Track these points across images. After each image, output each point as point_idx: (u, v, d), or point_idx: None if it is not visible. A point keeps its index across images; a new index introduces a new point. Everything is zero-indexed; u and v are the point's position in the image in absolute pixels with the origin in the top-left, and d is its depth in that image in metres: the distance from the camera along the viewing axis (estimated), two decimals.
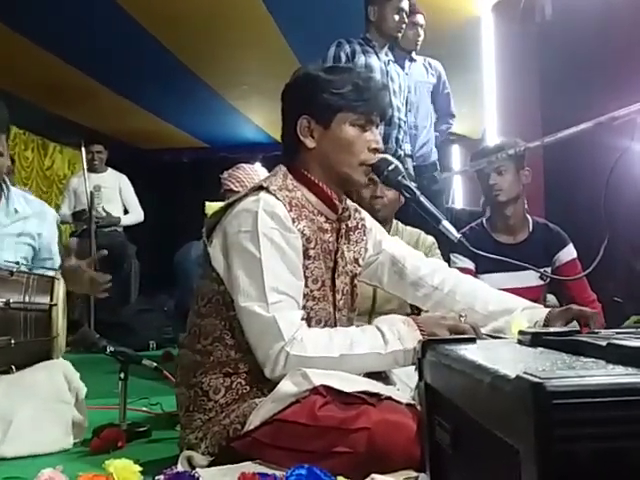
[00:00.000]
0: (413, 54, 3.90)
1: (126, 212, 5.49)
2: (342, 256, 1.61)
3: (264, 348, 1.38)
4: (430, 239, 2.43)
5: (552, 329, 1.08)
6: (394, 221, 2.44)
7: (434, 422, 1.03)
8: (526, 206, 2.85)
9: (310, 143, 1.55)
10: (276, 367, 1.37)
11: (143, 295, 5.43)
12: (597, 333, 1.03)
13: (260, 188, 1.49)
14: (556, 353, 0.86)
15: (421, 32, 3.82)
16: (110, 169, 5.50)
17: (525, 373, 0.65)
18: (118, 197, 5.44)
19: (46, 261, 2.23)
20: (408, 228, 2.44)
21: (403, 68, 3.79)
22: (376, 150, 1.55)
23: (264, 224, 1.42)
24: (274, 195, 1.46)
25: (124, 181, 5.52)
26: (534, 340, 0.97)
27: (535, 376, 0.64)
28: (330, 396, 1.27)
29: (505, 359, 0.89)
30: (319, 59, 3.39)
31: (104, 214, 5.19)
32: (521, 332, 1.03)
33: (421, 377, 1.10)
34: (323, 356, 1.36)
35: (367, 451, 1.21)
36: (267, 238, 1.41)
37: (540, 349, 0.92)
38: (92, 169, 5.25)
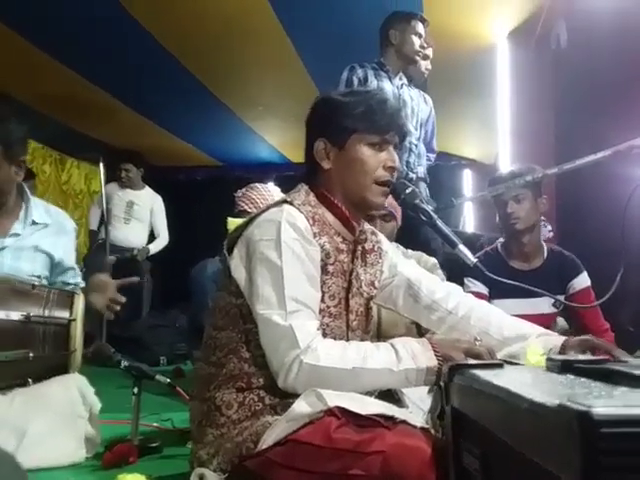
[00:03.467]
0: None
1: (151, 234, 5.52)
2: (357, 277, 1.62)
3: (279, 356, 1.39)
4: (432, 260, 2.45)
5: (580, 357, 1.08)
6: (394, 244, 2.45)
7: (461, 447, 1.03)
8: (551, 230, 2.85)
9: (326, 164, 1.58)
10: (289, 375, 1.37)
11: (155, 311, 5.45)
12: (625, 361, 1.03)
13: (284, 201, 1.52)
14: (588, 381, 0.86)
15: (429, 65, 3.85)
16: (147, 187, 5.55)
17: (570, 401, 0.65)
18: (148, 217, 5.47)
19: (67, 272, 2.25)
20: (410, 251, 2.45)
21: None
22: (392, 169, 1.56)
23: (286, 234, 1.44)
24: (297, 208, 1.49)
25: (157, 202, 5.55)
26: (564, 367, 0.96)
27: (580, 404, 0.64)
28: (345, 418, 1.26)
29: (539, 385, 0.88)
30: (334, 82, 3.44)
31: (139, 250, 5.28)
32: (549, 359, 1.03)
33: (448, 401, 1.10)
34: (336, 367, 1.36)
35: (382, 475, 1.21)
36: (288, 247, 1.43)
37: (570, 376, 0.92)
38: (127, 185, 5.35)
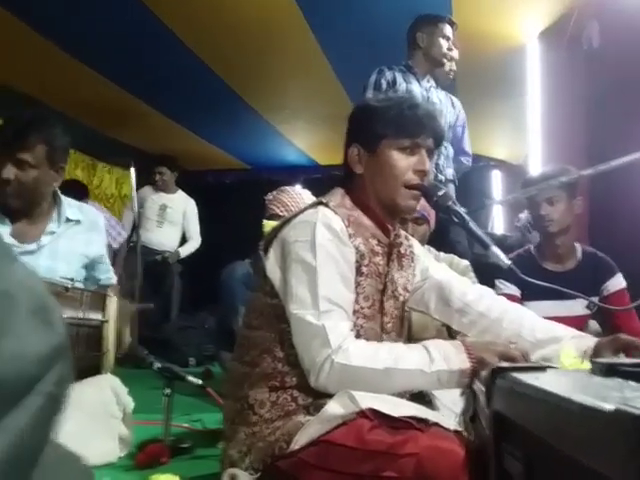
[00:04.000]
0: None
1: (183, 237, 5.56)
2: (392, 280, 1.62)
3: (311, 355, 1.39)
4: (464, 262, 2.43)
5: (624, 359, 1.06)
6: (426, 247, 2.44)
7: (502, 450, 1.02)
8: None
9: (359, 169, 1.60)
10: (320, 374, 1.37)
11: (184, 313, 5.50)
12: None
13: (320, 203, 1.53)
14: (637, 384, 0.85)
15: (455, 67, 3.82)
16: (180, 191, 5.61)
17: (625, 405, 0.65)
18: (181, 220, 5.52)
19: (99, 266, 2.28)
20: (442, 253, 2.44)
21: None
22: (422, 172, 1.56)
23: (321, 235, 1.45)
24: (333, 210, 1.50)
25: (191, 206, 5.60)
26: (609, 370, 0.94)
27: (635, 407, 0.63)
28: (377, 420, 1.26)
29: (587, 389, 0.87)
30: (362, 84, 3.44)
31: (171, 253, 5.34)
32: (594, 362, 1.02)
33: (489, 404, 1.09)
34: (368, 367, 1.36)
35: (415, 477, 1.21)
36: (323, 248, 1.44)
37: (617, 380, 0.90)
38: (160, 189, 5.44)
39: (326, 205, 1.51)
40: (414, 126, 1.54)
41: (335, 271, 1.44)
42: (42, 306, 0.52)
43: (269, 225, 2.70)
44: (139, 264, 4.49)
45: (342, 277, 1.45)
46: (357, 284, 1.50)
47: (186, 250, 5.49)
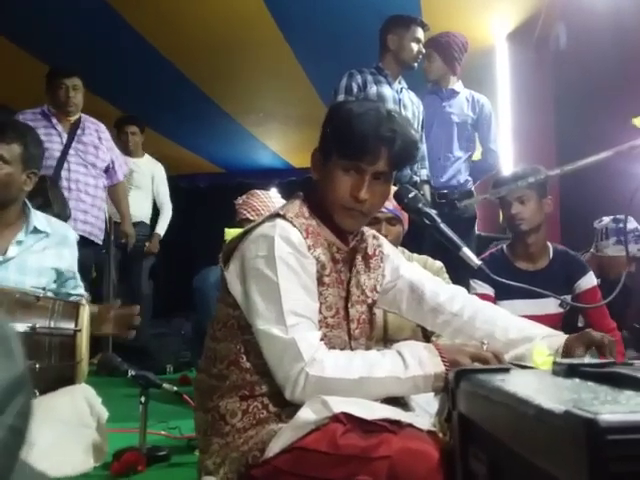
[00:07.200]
0: (457, 87, 3.87)
1: (154, 206, 5.31)
2: (357, 285, 1.61)
3: (284, 370, 1.38)
4: (438, 264, 2.43)
5: (586, 360, 1.08)
6: (400, 248, 2.44)
7: (468, 452, 1.02)
8: None
9: (315, 176, 1.57)
10: (296, 388, 1.36)
11: (159, 318, 5.44)
12: (631, 364, 1.03)
13: (277, 215, 1.51)
14: (595, 385, 0.85)
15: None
16: (147, 155, 5.33)
17: (575, 407, 0.65)
18: (149, 185, 5.24)
19: (68, 282, 2.25)
20: (415, 255, 2.44)
21: (443, 100, 3.82)
22: (356, 199, 1.48)
23: (280, 249, 1.43)
24: (290, 222, 1.47)
25: (158, 168, 5.34)
26: (570, 371, 0.95)
27: (586, 411, 0.63)
28: (350, 424, 1.25)
29: (546, 391, 0.88)
30: (335, 87, 3.44)
31: (150, 243, 5.11)
32: (556, 362, 1.02)
33: (454, 406, 1.09)
34: (342, 378, 1.35)
35: (389, 479, 1.21)
36: (283, 262, 1.42)
37: (577, 380, 0.91)
38: (127, 152, 5.00)
39: (283, 217, 1.49)
40: (357, 150, 1.46)
41: (297, 283, 1.42)
42: (1, 335, 0.50)
43: (230, 234, 2.68)
44: (111, 263, 4.42)
45: (305, 289, 1.43)
46: (319, 294, 1.48)
47: (163, 226, 5.27)
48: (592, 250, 3.63)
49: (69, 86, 3.90)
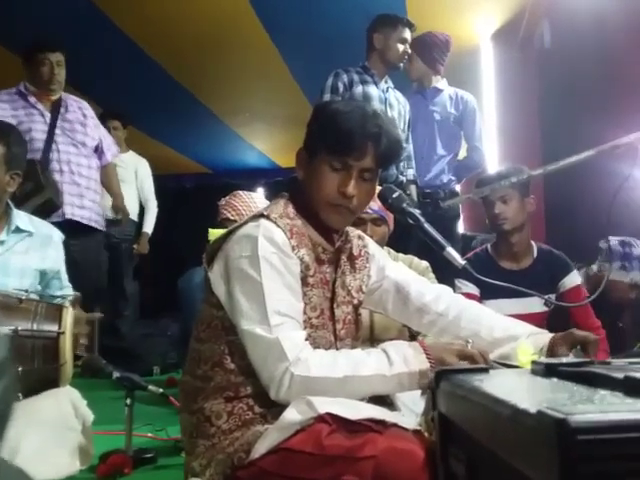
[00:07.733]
0: (440, 85, 3.88)
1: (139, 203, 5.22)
2: (343, 286, 1.61)
3: (268, 370, 1.37)
4: (424, 263, 2.43)
5: (565, 359, 1.08)
6: (386, 248, 2.44)
7: (448, 452, 1.03)
8: None
9: (300, 175, 1.57)
10: (281, 388, 1.36)
11: (146, 318, 5.41)
12: (609, 363, 1.03)
13: (261, 215, 1.50)
14: (571, 384, 0.86)
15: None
16: (132, 151, 5.25)
17: (547, 408, 0.65)
18: (133, 179, 5.15)
19: (53, 283, 2.24)
20: (401, 254, 2.44)
21: (427, 99, 3.84)
22: (344, 194, 1.49)
23: (264, 249, 1.42)
24: (274, 222, 1.47)
25: (142, 164, 5.25)
26: (548, 370, 0.96)
27: (557, 411, 0.63)
28: (336, 424, 1.25)
29: (522, 391, 0.88)
30: (321, 86, 3.44)
31: (139, 244, 5.05)
32: (534, 362, 1.03)
33: (435, 406, 1.09)
34: (327, 377, 1.35)
35: (374, 479, 1.21)
36: (267, 262, 1.42)
37: (554, 380, 0.92)
38: None
39: (267, 217, 1.49)
40: (344, 146, 1.47)
41: (281, 283, 1.42)
42: None
43: (213, 234, 2.67)
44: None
45: (289, 289, 1.43)
46: (303, 294, 1.48)
47: (150, 223, 5.21)
48: (594, 268, 3.54)
49: (53, 62, 3.62)
